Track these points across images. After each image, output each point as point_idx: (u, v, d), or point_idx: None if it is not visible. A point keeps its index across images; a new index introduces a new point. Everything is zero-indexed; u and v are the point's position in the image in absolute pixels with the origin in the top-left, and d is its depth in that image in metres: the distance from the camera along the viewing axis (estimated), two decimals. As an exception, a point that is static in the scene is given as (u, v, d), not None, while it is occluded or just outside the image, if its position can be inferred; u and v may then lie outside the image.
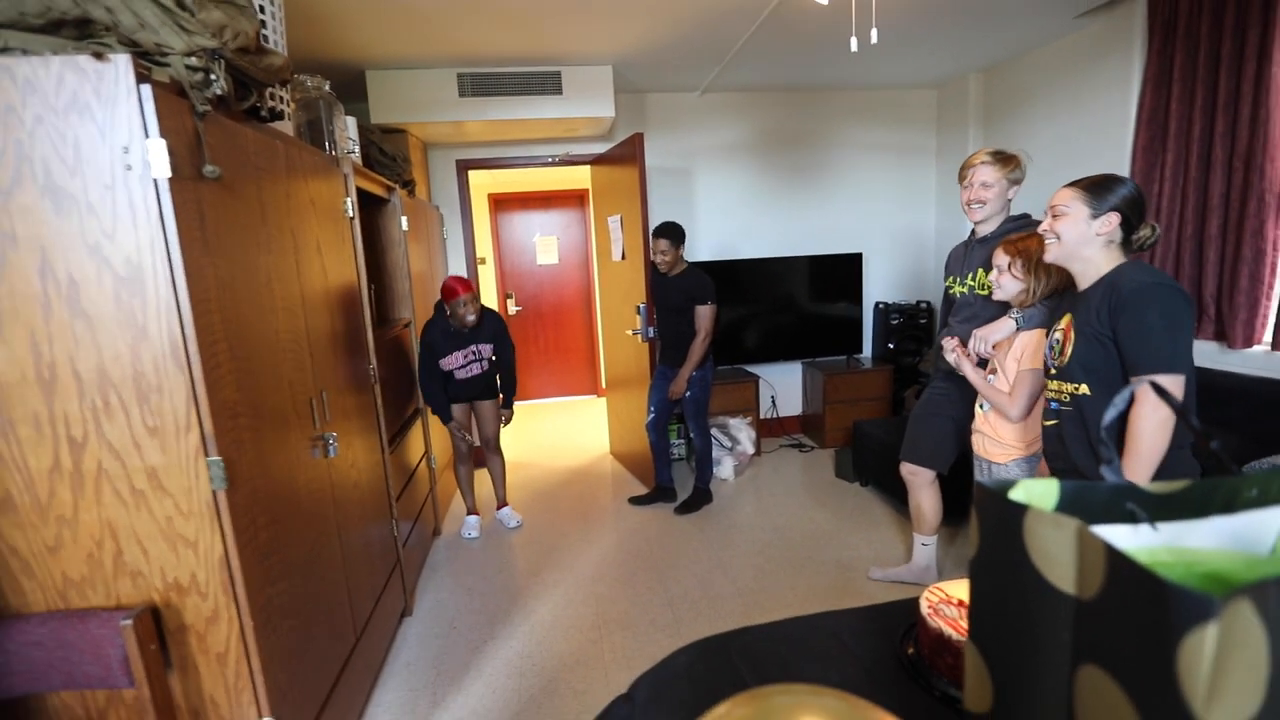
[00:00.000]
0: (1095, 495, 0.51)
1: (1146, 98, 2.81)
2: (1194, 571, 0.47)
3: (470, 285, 2.68)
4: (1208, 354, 2.67)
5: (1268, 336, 2.52)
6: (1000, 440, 1.82)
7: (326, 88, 2.15)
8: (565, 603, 2.50)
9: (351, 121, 2.36)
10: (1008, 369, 1.78)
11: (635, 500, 3.43)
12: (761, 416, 4.36)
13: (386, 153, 2.85)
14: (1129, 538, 0.50)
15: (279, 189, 1.57)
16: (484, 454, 3.11)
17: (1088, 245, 1.40)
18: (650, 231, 3.19)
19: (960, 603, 0.79)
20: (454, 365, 2.69)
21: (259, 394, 1.39)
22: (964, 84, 3.97)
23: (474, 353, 2.75)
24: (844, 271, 4.22)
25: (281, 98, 1.76)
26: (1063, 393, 1.47)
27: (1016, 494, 0.51)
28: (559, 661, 2.14)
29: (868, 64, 3.59)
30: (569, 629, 2.32)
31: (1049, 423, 1.53)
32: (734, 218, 4.22)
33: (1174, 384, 1.31)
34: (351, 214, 2.14)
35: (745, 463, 3.86)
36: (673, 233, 3.08)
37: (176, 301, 1.16)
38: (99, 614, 1.23)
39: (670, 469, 3.47)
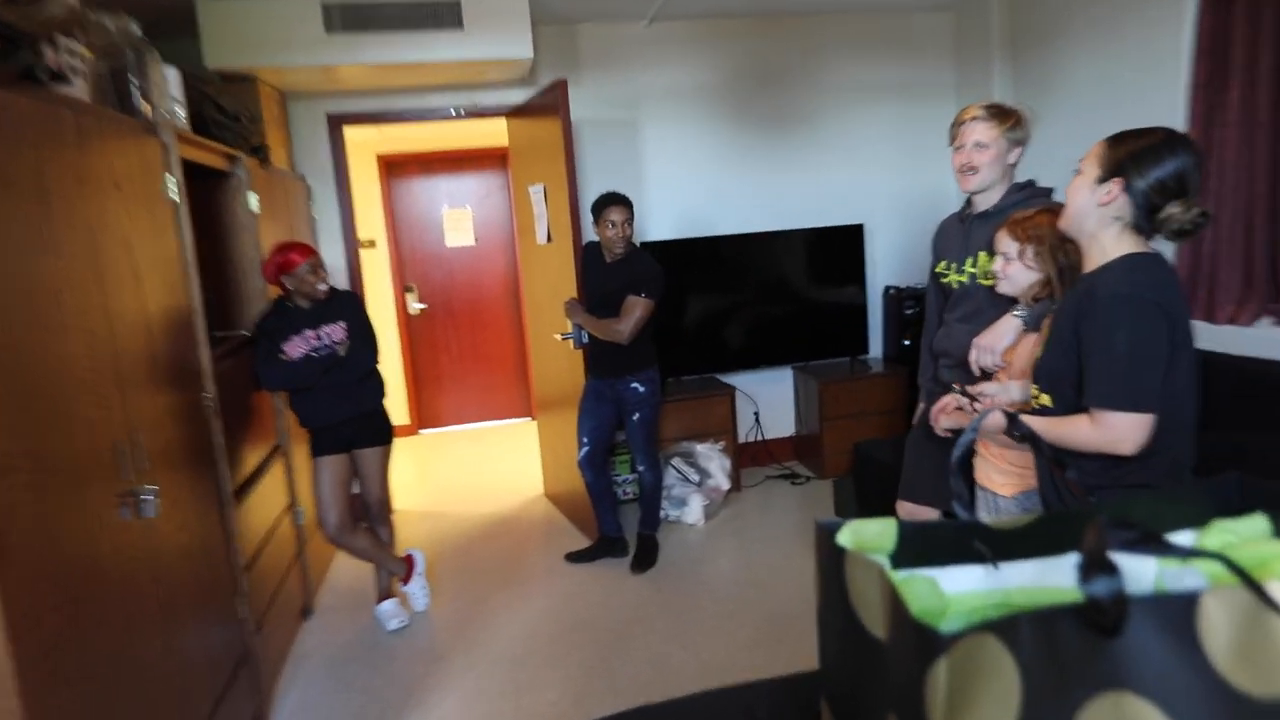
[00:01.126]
0: (940, 534, 0.63)
1: (1205, 22, 3.01)
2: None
3: (309, 248, 2.74)
4: (1282, 342, 2.87)
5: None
6: (1003, 466, 1.95)
7: (135, 28, 2.20)
8: (477, 694, 2.57)
9: (173, 73, 2.41)
10: (1014, 384, 1.91)
11: (574, 556, 3.52)
12: (741, 440, 4.48)
13: (227, 111, 2.90)
14: (980, 579, 0.61)
15: (67, 171, 1.62)
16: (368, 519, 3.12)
17: (1087, 218, 1.51)
18: (579, 205, 3.30)
19: (819, 677, 0.90)
20: (298, 354, 2.72)
21: (42, 440, 1.44)
22: (986, 5, 4.17)
23: (319, 337, 2.78)
24: (841, 249, 4.38)
25: (72, 51, 1.81)
26: (1036, 398, 1.61)
27: (843, 537, 0.61)
28: (465, 770, 2.21)
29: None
30: (480, 728, 2.39)
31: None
32: (696, 184, 4.35)
33: (1134, 425, 1.41)
34: (175, 196, 2.19)
35: (719, 500, 3.98)
36: (628, 202, 3.21)
37: (-76, 327, 1.22)
38: None
39: (618, 513, 3.57)
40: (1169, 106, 3.20)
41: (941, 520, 0.64)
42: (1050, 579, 0.63)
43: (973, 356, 1.97)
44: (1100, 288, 1.43)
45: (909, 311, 4.38)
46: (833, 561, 0.61)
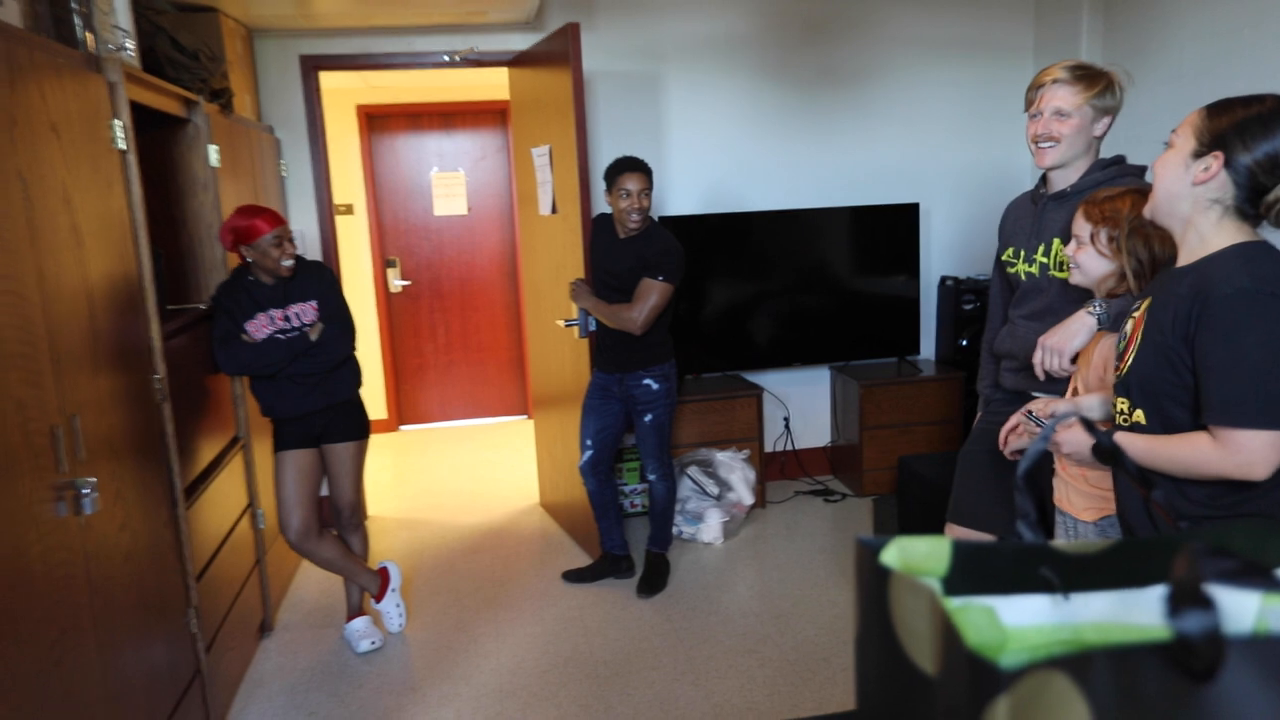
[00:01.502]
0: (1001, 558, 0.62)
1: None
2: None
3: (277, 216, 2.72)
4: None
5: None
6: (1084, 489, 1.94)
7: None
8: (455, 731, 2.59)
9: (122, 0, 2.42)
10: (1088, 399, 1.89)
11: (572, 575, 3.53)
12: (768, 449, 4.48)
13: (183, 47, 2.91)
14: (1047, 612, 0.60)
15: None
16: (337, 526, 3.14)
17: (1180, 200, 1.48)
18: (589, 171, 3.29)
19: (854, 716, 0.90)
20: (261, 335, 2.72)
21: (-34, 421, 1.45)
22: (1070, -50, 4.14)
23: (287, 318, 2.78)
24: (893, 231, 4.36)
25: (9, -27, 1.82)
26: (1123, 413, 1.59)
27: (888, 556, 0.61)
28: (438, 817, 2.23)
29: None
30: (457, 770, 2.41)
31: None
32: (726, 151, 4.34)
33: (1271, 445, 1.36)
34: (123, 145, 2.20)
35: (740, 517, 3.98)
36: (649, 171, 3.20)
37: None
38: None
39: (623, 528, 3.58)
40: (1287, 74, 3.16)
41: (1003, 541, 0.63)
42: (1129, 615, 0.62)
43: (1037, 358, 1.95)
44: (1215, 284, 1.38)
45: (968, 307, 4.36)
46: (876, 584, 0.60)
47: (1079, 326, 1.87)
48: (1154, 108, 3.75)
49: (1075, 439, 1.65)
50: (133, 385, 2.16)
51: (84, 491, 1.79)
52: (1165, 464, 1.47)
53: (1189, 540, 0.61)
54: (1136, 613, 0.63)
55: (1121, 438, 1.51)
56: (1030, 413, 1.93)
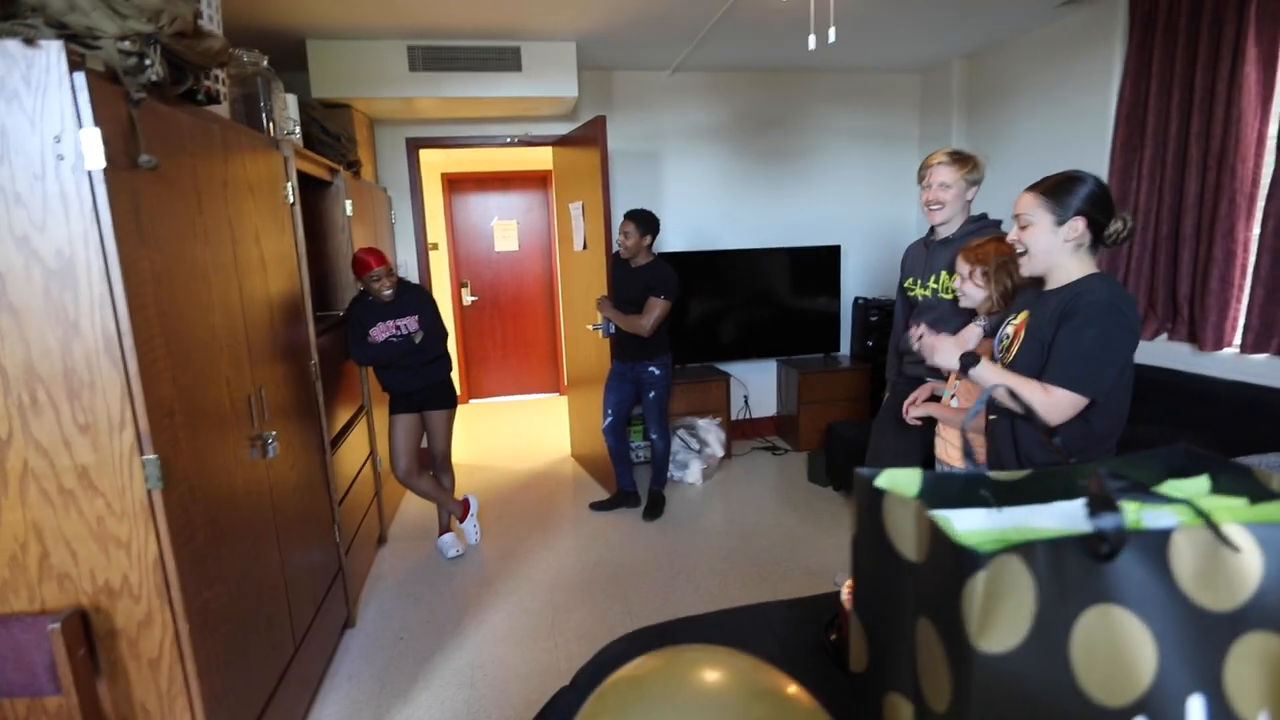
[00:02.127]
0: (952, 483, 0.66)
1: (1126, 92, 3.03)
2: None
3: (383, 257, 2.70)
4: (1180, 356, 2.90)
5: (1238, 339, 2.75)
6: (959, 446, 1.99)
7: (265, 63, 2.21)
8: (520, 612, 2.61)
9: (292, 99, 2.42)
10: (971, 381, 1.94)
11: (597, 505, 3.56)
12: (733, 417, 4.52)
13: (329, 131, 2.91)
14: (981, 520, 0.64)
15: (215, 176, 1.64)
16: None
17: (1057, 252, 1.53)
18: (613, 219, 3.31)
19: (850, 595, 0.94)
20: (380, 338, 2.73)
21: (195, 391, 1.47)
22: (948, 69, 4.17)
23: (396, 328, 2.78)
24: (822, 265, 4.40)
25: (218, 76, 1.83)
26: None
27: (880, 481, 0.65)
28: (511, 672, 2.26)
29: (848, 46, 3.76)
30: (523, 638, 2.44)
31: (990, 417, 1.69)
32: (706, 206, 4.36)
33: (1070, 401, 1.44)
34: (292, 200, 2.21)
35: (714, 466, 4.01)
36: (642, 219, 3.21)
37: (111, 296, 1.24)
38: (23, 619, 1.31)
39: (632, 472, 3.60)
40: (1096, 158, 3.21)
41: (954, 471, 0.67)
42: (1034, 521, 0.66)
43: (912, 332, 1.98)
44: (1085, 295, 1.46)
45: (873, 318, 4.40)
46: (871, 500, 0.64)
47: (971, 335, 1.92)
48: (1003, 177, 3.80)
49: (946, 353, 1.68)
50: (297, 368, 2.17)
51: (269, 441, 1.81)
52: (1013, 387, 1.50)
53: (1076, 472, 0.65)
54: (1039, 520, 0.68)
55: (996, 369, 1.56)
56: (920, 333, 1.86)
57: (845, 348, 4.67)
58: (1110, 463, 0.65)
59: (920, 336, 1.72)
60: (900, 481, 0.65)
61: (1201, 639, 0.50)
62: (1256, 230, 2.65)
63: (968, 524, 0.66)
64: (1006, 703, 0.50)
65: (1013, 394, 0.79)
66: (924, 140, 4.49)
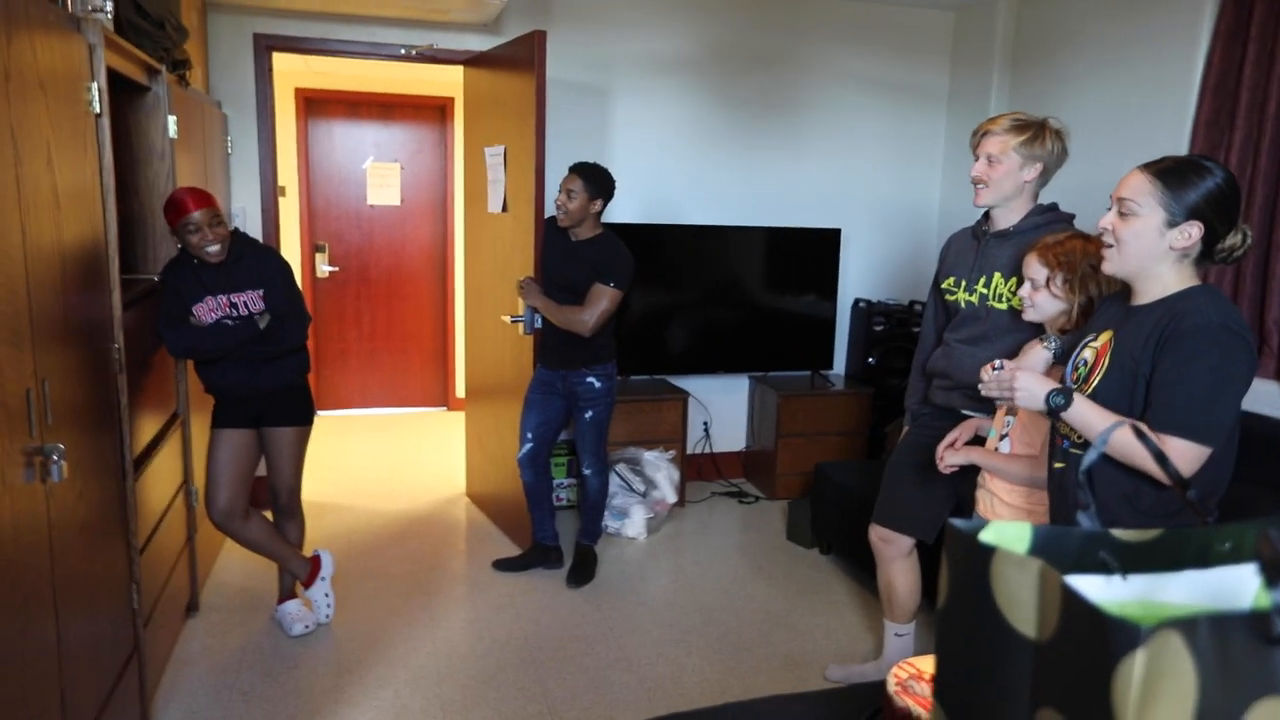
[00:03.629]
0: (1068, 542, 0.69)
1: (1215, 57, 3.25)
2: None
3: (207, 198, 2.57)
4: (1267, 397, 3.12)
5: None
6: (1011, 503, 2.08)
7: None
8: (396, 713, 2.54)
9: (102, -35, 2.29)
10: (1032, 419, 2.02)
11: (503, 564, 3.51)
12: (689, 450, 4.56)
13: (149, 14, 2.77)
14: (1100, 589, 0.68)
15: (-6, 64, 1.54)
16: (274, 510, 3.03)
17: (1157, 261, 1.62)
18: (549, 173, 3.29)
19: (933, 678, 0.97)
20: (209, 319, 2.59)
21: (-46, 379, 1.36)
22: (991, 9, 4.38)
23: (232, 305, 2.64)
24: (815, 253, 4.52)
25: (1, -78, 1.71)
26: (1077, 430, 1.72)
27: (986, 536, 0.67)
28: (384, 796, 2.19)
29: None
30: (400, 750, 2.38)
31: (1056, 465, 1.78)
32: (665, 165, 4.40)
33: (1192, 454, 1.55)
34: (99, 109, 2.09)
35: (663, 515, 4.04)
36: (593, 176, 3.21)
37: None
38: None
39: (555, 520, 3.58)
40: (1172, 139, 3.43)
41: (1073, 528, 0.70)
42: (1163, 594, 0.70)
43: (984, 373, 2.06)
44: (1186, 315, 1.55)
45: (878, 328, 4.55)
46: (973, 561, 0.66)
47: (1036, 360, 1.98)
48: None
49: (1029, 395, 1.70)
50: (94, 354, 2.05)
51: (53, 458, 1.69)
52: (1122, 437, 1.57)
53: (1252, 529, 0.70)
54: (1165, 593, 0.72)
55: (1080, 399, 1.63)
56: (999, 364, 1.93)
57: (840, 365, 4.80)
58: (1273, 521, 0.70)
59: (995, 368, 1.76)
60: (1008, 537, 0.68)
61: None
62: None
63: (1085, 593, 0.69)
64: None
65: (1142, 435, 0.83)
66: (955, 99, 4.69)
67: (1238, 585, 0.70)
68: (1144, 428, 1.59)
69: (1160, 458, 0.82)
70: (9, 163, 1.58)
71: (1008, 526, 0.71)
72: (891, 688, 0.98)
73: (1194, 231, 1.58)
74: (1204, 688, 0.54)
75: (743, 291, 4.47)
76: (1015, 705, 0.64)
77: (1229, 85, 3.23)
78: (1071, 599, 0.58)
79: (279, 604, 3.00)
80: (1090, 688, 0.56)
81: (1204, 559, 0.72)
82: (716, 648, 2.99)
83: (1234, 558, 0.71)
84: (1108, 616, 0.55)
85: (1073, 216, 2.30)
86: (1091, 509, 0.75)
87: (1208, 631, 0.55)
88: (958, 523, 0.70)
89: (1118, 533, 0.73)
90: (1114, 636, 0.54)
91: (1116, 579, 0.70)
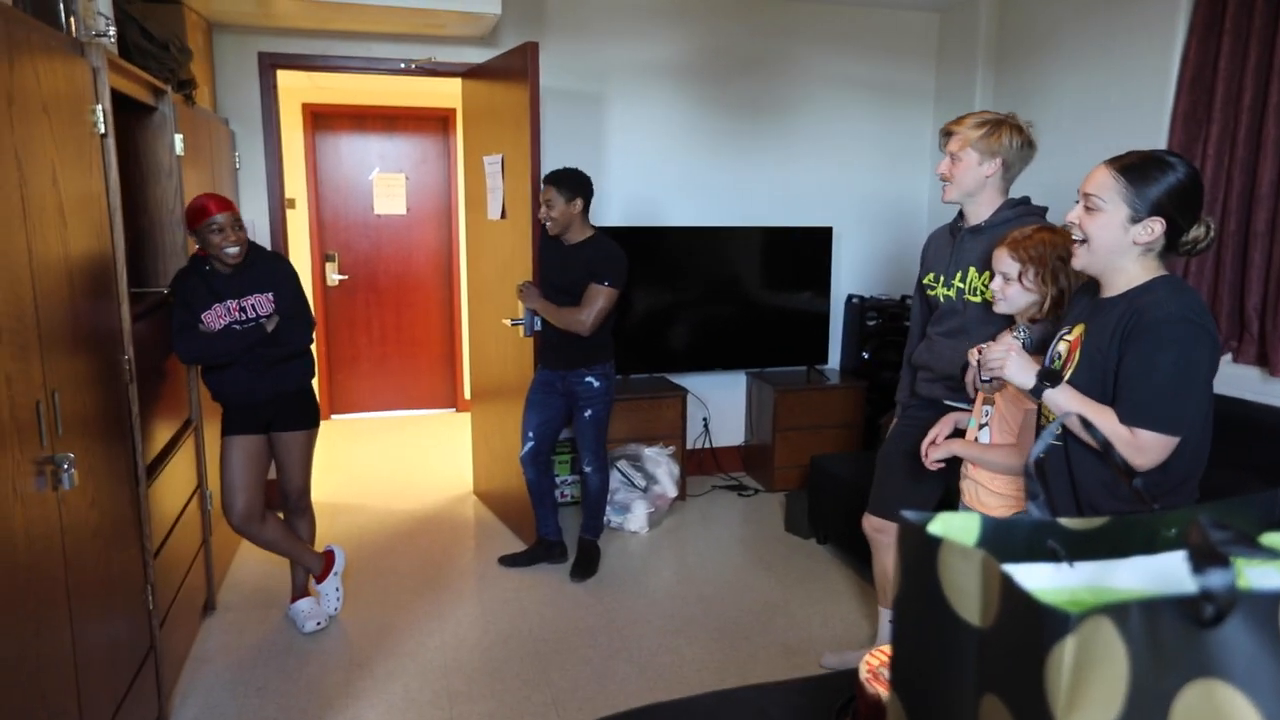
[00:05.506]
0: (1016, 531, 0.70)
1: (1191, 52, 3.24)
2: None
3: (228, 202, 2.61)
4: (1248, 382, 3.11)
5: (1318, 364, 2.99)
6: (996, 490, 2.09)
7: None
8: (405, 704, 2.57)
9: (106, -11, 2.32)
10: (1009, 407, 2.03)
11: (508, 560, 3.53)
12: (689, 446, 4.57)
13: (154, 37, 2.80)
14: (1050, 577, 0.69)
15: (-1, 90, 1.56)
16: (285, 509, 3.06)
17: (1122, 254, 1.64)
18: (540, 177, 3.30)
19: (890, 665, 0.98)
20: (217, 325, 2.63)
21: (-37, 392, 1.39)
22: (974, 9, 4.37)
23: (241, 309, 2.68)
24: (808, 251, 4.52)
25: (3, -47, 1.74)
26: (1053, 419, 1.73)
27: (934, 527, 0.68)
28: (392, 785, 2.21)
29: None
30: (408, 740, 2.40)
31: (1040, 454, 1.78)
32: (660, 168, 4.41)
33: (1159, 444, 1.57)
34: (103, 129, 2.12)
35: (664, 509, 4.05)
36: (565, 181, 3.21)
37: None
38: None
39: (557, 516, 3.60)
40: (1151, 133, 3.43)
41: (1020, 517, 0.71)
42: (1111, 580, 0.71)
43: (972, 358, 2.06)
44: (1150, 309, 1.56)
45: (871, 323, 4.55)
46: (922, 552, 0.67)
47: (1006, 347, 2.00)
48: (1040, 150, 3.99)
49: (1020, 366, 1.73)
50: (104, 364, 2.08)
51: (64, 467, 1.72)
52: (1092, 420, 1.61)
53: (1186, 515, 0.71)
54: (1114, 578, 0.73)
55: (1061, 386, 1.66)
56: (975, 356, 1.94)
57: (835, 359, 4.80)
58: (1207, 509, 0.71)
59: (983, 350, 1.80)
60: (956, 528, 0.69)
61: (1317, 723, 0.55)
62: (1338, 230, 2.89)
63: (1034, 581, 0.70)
64: (1094, 799, 0.53)
65: (1086, 424, 0.84)
66: (941, 97, 4.68)
67: (1182, 570, 0.71)
68: (1098, 415, 1.61)
69: (1106, 447, 0.83)
70: (14, 183, 1.61)
71: (956, 518, 0.71)
72: (863, 675, 0.99)
73: (1156, 226, 1.59)
74: (1136, 671, 0.55)
75: (739, 290, 4.47)
76: (961, 691, 0.65)
77: (1205, 79, 3.22)
78: (1009, 588, 0.59)
79: (292, 602, 3.03)
80: (1026, 674, 0.57)
81: (1151, 545, 0.73)
82: (716, 637, 3.00)
83: (1179, 544, 0.72)
84: (1039, 605, 0.56)
85: (1045, 210, 2.31)
86: (1041, 497, 0.76)
87: (1139, 617, 0.55)
88: (908, 515, 0.71)
89: (1065, 521, 0.74)
90: (1046, 624, 0.55)
91: (1065, 566, 0.71)
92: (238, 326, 2.67)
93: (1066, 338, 1.75)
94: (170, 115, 2.80)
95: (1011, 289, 1.99)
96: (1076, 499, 1.69)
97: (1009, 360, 1.74)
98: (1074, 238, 1.68)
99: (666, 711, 1.04)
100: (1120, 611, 0.54)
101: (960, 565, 0.63)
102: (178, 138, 2.82)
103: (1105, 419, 1.61)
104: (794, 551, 3.74)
